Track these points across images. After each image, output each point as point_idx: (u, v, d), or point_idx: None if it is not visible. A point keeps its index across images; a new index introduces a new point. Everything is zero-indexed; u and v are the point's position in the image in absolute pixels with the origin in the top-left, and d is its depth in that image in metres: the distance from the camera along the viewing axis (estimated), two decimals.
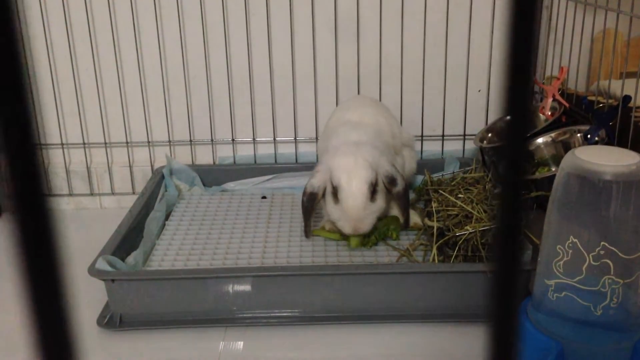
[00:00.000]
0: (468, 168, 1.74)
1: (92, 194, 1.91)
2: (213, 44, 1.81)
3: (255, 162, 1.91)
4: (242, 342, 1.24)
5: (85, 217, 1.85)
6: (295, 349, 1.23)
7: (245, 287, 1.27)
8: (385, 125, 1.57)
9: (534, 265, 1.09)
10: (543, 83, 1.77)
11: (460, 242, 1.33)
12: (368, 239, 1.44)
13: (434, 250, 1.37)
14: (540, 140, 1.57)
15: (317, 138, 1.87)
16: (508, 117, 0.29)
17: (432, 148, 1.93)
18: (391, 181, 1.41)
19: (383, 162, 1.42)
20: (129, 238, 1.45)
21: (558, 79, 1.66)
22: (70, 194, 1.90)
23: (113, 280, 1.25)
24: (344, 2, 1.78)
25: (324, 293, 1.28)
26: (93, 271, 1.25)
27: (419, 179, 1.76)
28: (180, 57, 1.81)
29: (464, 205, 1.43)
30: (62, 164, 1.88)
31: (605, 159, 0.97)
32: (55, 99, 1.83)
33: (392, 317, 1.29)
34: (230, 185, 1.85)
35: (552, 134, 1.56)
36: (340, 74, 1.85)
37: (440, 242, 1.38)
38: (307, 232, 1.48)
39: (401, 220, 1.49)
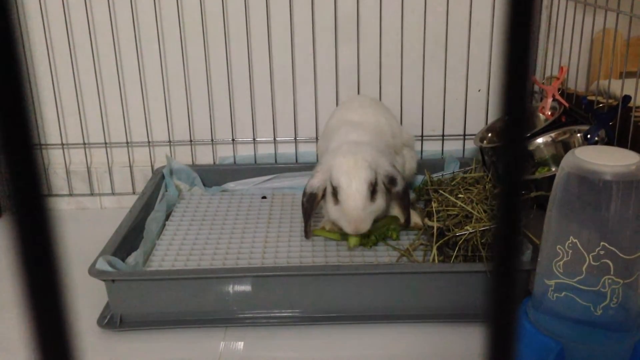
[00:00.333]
0: (468, 168, 1.74)
1: (92, 194, 1.91)
2: (213, 44, 1.81)
3: (255, 162, 1.91)
4: (242, 342, 1.24)
5: (86, 217, 1.85)
6: (296, 349, 1.23)
7: (246, 287, 1.27)
8: (386, 125, 1.57)
9: (534, 265, 1.09)
10: (543, 83, 1.77)
11: (460, 242, 1.33)
12: (368, 239, 1.44)
13: (434, 250, 1.37)
14: (540, 140, 1.57)
15: (317, 138, 1.87)
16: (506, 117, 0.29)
17: (432, 148, 1.93)
18: (391, 181, 1.41)
19: (383, 162, 1.42)
20: (129, 238, 1.45)
21: (558, 78, 1.66)
22: (71, 194, 1.90)
23: (113, 281, 1.25)
24: (344, 2, 1.78)
25: (324, 293, 1.28)
26: (93, 271, 1.25)
27: (419, 178, 1.76)
28: (180, 57, 1.81)
29: (464, 205, 1.43)
30: (62, 164, 1.88)
31: (605, 159, 0.97)
32: (56, 99, 1.83)
33: (392, 317, 1.29)
34: (230, 185, 1.85)
35: (552, 134, 1.56)
36: (340, 74, 1.85)
37: (440, 242, 1.38)
38: (307, 233, 1.48)
39: (402, 220, 1.49)
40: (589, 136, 1.44)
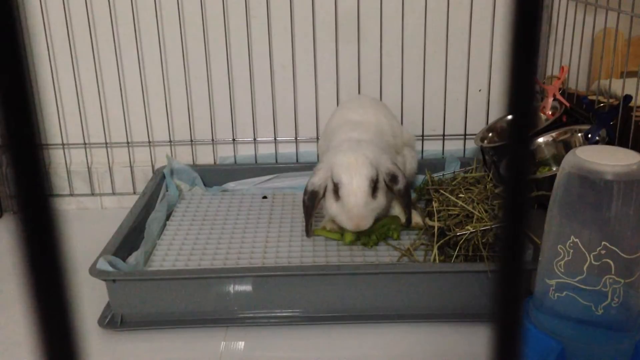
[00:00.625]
0: (469, 168, 1.74)
1: (93, 194, 1.91)
2: (214, 44, 1.81)
3: (256, 162, 1.91)
4: (243, 342, 1.24)
5: (86, 217, 1.85)
6: (297, 349, 1.23)
7: (246, 287, 1.27)
8: (387, 125, 1.57)
9: (535, 265, 1.09)
10: (544, 82, 1.77)
11: (461, 241, 1.33)
12: (369, 239, 1.44)
13: (435, 250, 1.37)
14: (541, 139, 1.57)
15: (317, 138, 1.87)
16: (510, 117, 0.29)
17: (432, 148, 1.93)
18: (392, 179, 1.41)
19: (384, 159, 1.42)
20: (130, 238, 1.45)
21: (559, 78, 1.66)
22: (71, 194, 1.90)
23: (114, 281, 1.25)
24: (344, 1, 1.78)
25: (325, 293, 1.28)
26: (94, 271, 1.25)
27: (420, 178, 1.76)
28: (181, 57, 1.81)
29: (464, 205, 1.43)
30: (63, 164, 1.89)
31: (606, 159, 0.97)
32: (56, 99, 1.83)
33: (393, 316, 1.29)
34: (231, 185, 1.85)
35: (553, 134, 1.56)
36: (341, 74, 1.85)
37: (441, 241, 1.37)
38: (308, 231, 1.48)
39: (402, 218, 1.49)
40: (589, 136, 1.44)
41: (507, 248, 0.30)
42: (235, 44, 1.81)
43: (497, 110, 1.87)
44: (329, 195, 1.41)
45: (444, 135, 1.91)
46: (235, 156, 1.92)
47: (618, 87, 1.53)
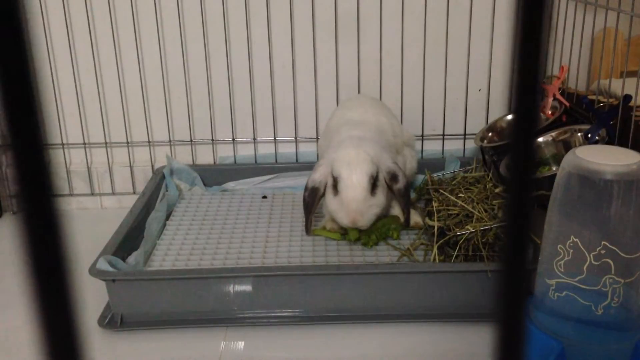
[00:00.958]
0: (469, 167, 1.74)
1: (92, 194, 1.91)
2: (213, 44, 1.81)
3: (255, 161, 1.91)
4: (243, 342, 1.24)
5: (86, 217, 1.85)
6: (296, 349, 1.23)
7: (246, 287, 1.27)
8: (387, 124, 1.57)
9: (535, 265, 1.09)
10: (544, 82, 1.77)
11: (461, 241, 1.33)
12: (369, 239, 1.44)
13: (435, 250, 1.37)
14: (540, 139, 1.57)
15: (317, 137, 1.87)
16: (509, 116, 0.29)
17: (432, 147, 1.93)
18: (393, 177, 1.41)
19: (385, 157, 1.42)
20: (130, 238, 1.45)
21: (558, 78, 1.66)
22: (71, 194, 1.90)
23: (114, 281, 1.25)
24: (344, 1, 1.78)
25: (324, 293, 1.28)
26: (94, 271, 1.25)
27: (420, 178, 1.76)
28: (180, 57, 1.81)
29: (464, 205, 1.43)
30: (62, 164, 1.88)
31: (605, 159, 0.97)
32: (56, 99, 1.83)
33: (393, 316, 1.29)
34: (230, 185, 1.85)
35: (553, 133, 1.56)
36: (341, 73, 1.85)
37: (440, 241, 1.37)
38: (308, 228, 1.48)
39: (402, 218, 1.49)
40: (589, 135, 1.44)
41: (510, 247, 0.30)
42: (235, 44, 1.81)
43: (497, 109, 1.87)
44: (329, 190, 1.41)
45: (443, 135, 1.91)
46: (235, 156, 1.92)
47: (618, 86, 1.53)
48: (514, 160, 0.28)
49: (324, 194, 1.43)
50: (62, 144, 1.87)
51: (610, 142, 1.41)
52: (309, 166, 1.74)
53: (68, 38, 1.77)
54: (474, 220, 1.37)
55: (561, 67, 1.69)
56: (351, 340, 1.25)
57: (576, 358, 1.02)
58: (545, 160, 1.57)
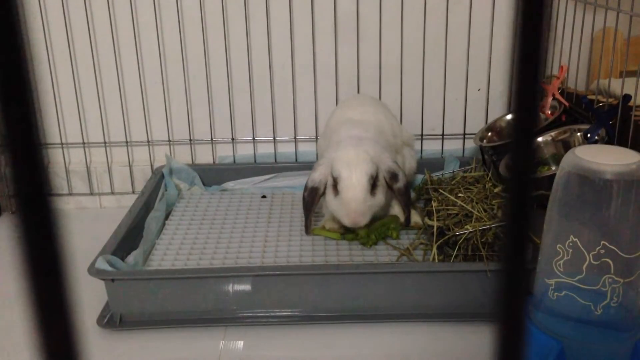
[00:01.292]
0: (468, 167, 1.74)
1: (91, 194, 1.91)
2: (213, 43, 1.81)
3: (255, 161, 1.91)
4: (242, 342, 1.24)
5: (85, 216, 1.85)
6: (296, 349, 1.23)
7: (245, 287, 1.27)
8: (386, 124, 1.57)
9: (534, 265, 1.09)
10: (543, 82, 1.77)
11: (460, 241, 1.33)
12: (368, 238, 1.44)
13: (434, 250, 1.37)
14: (540, 139, 1.57)
15: (317, 137, 1.87)
16: (509, 116, 0.29)
17: (432, 147, 1.93)
18: (392, 177, 1.41)
19: (385, 157, 1.42)
20: (129, 238, 1.45)
21: (558, 77, 1.66)
22: (70, 194, 1.90)
23: (113, 280, 1.25)
24: (344, 1, 1.78)
25: (324, 292, 1.27)
26: (93, 271, 1.25)
27: (419, 178, 1.76)
28: (180, 56, 1.81)
29: (464, 205, 1.43)
30: (61, 164, 1.88)
31: (605, 158, 0.97)
32: (55, 98, 1.82)
33: (392, 316, 1.29)
34: (230, 184, 1.85)
35: (552, 133, 1.56)
36: (340, 73, 1.85)
37: (440, 241, 1.37)
38: (307, 228, 1.48)
39: (402, 217, 1.49)
40: (589, 135, 1.44)
41: (510, 247, 0.30)
42: (234, 43, 1.81)
43: (497, 109, 1.87)
44: (329, 190, 1.41)
45: (443, 134, 1.91)
46: (234, 155, 1.91)
47: (617, 86, 1.53)
48: (514, 160, 0.28)
49: (324, 194, 1.43)
50: (62, 144, 1.87)
51: (609, 141, 1.41)
52: (309, 166, 1.74)
53: (67, 38, 1.77)
54: (473, 220, 1.37)
55: (561, 67, 1.69)
56: (350, 339, 1.25)
57: (575, 358, 1.02)
58: (544, 160, 1.57)
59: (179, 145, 1.91)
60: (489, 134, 1.74)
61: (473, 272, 1.26)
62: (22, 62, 0.23)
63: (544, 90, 1.69)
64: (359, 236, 1.44)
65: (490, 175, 1.55)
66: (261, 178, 1.85)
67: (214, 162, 1.92)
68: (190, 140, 1.90)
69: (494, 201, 1.44)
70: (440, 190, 1.52)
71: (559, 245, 1.00)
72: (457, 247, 1.33)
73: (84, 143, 1.87)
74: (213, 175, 1.86)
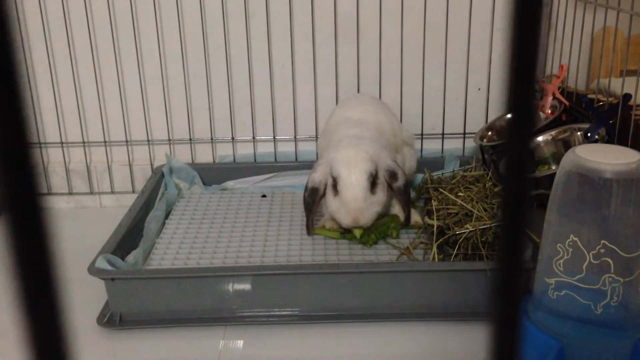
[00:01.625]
0: (468, 166, 1.74)
1: (91, 193, 1.91)
2: (213, 43, 1.81)
3: (255, 160, 1.91)
4: (242, 341, 1.24)
5: (85, 216, 1.85)
6: (295, 348, 1.23)
7: (245, 286, 1.27)
8: (386, 123, 1.57)
9: (534, 264, 1.08)
10: (543, 81, 1.77)
11: (461, 240, 1.33)
12: (368, 238, 1.44)
13: (434, 249, 1.36)
14: (540, 138, 1.57)
15: (317, 136, 1.87)
16: (509, 115, 0.29)
17: (432, 146, 1.93)
18: (392, 175, 1.41)
19: (384, 156, 1.41)
20: (129, 237, 1.45)
21: (558, 77, 1.66)
22: (70, 193, 1.90)
23: (113, 279, 1.25)
24: (344, 1, 1.78)
25: (324, 292, 1.27)
26: (93, 270, 1.25)
27: (419, 177, 1.76)
28: (180, 55, 1.81)
29: (464, 204, 1.42)
30: (61, 163, 1.88)
31: (605, 157, 0.97)
32: (55, 97, 1.82)
33: (392, 315, 1.29)
34: (230, 183, 1.85)
35: (552, 132, 1.56)
36: (340, 72, 1.85)
37: (440, 240, 1.37)
38: (309, 228, 1.48)
39: (402, 217, 1.49)
40: (589, 134, 1.44)
41: (506, 246, 0.30)
42: (234, 43, 1.81)
43: (497, 108, 1.87)
44: (329, 190, 1.41)
45: (443, 133, 1.91)
46: (234, 155, 1.91)
47: (617, 85, 1.53)
48: (510, 155, 0.28)
49: (324, 194, 1.43)
50: (62, 143, 1.87)
51: (609, 141, 1.41)
52: (309, 165, 1.74)
53: (67, 36, 1.77)
54: (473, 219, 1.37)
55: (561, 66, 1.69)
56: (350, 339, 1.25)
57: (575, 357, 1.02)
58: (544, 159, 1.56)
59: (179, 145, 1.91)
60: (489, 133, 1.74)
61: (473, 271, 1.26)
62: (11, 61, 0.23)
63: (544, 90, 1.69)
64: (358, 236, 1.44)
65: (490, 174, 1.55)
66: (261, 177, 1.85)
67: (214, 162, 1.92)
68: (190, 139, 1.90)
69: (494, 200, 1.43)
70: (441, 190, 1.52)
71: (559, 244, 1.00)
72: (457, 246, 1.33)
73: (84, 142, 1.87)
74: (213, 175, 1.86)
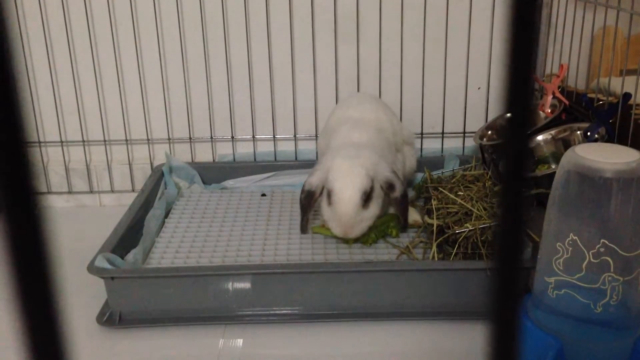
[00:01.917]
0: (468, 165, 1.74)
1: (91, 192, 1.91)
2: (213, 41, 1.81)
3: (254, 159, 1.91)
4: (241, 340, 1.24)
5: (85, 214, 1.85)
6: (295, 347, 1.23)
7: (245, 285, 1.27)
8: (386, 123, 1.57)
9: (534, 263, 1.09)
10: (543, 80, 1.77)
11: (460, 239, 1.33)
12: (368, 237, 1.44)
13: (434, 248, 1.36)
14: (540, 137, 1.57)
15: (316, 136, 1.87)
16: (508, 114, 0.29)
17: (432, 146, 1.93)
18: (389, 187, 1.41)
19: (382, 167, 1.41)
20: (129, 236, 1.45)
21: (558, 76, 1.66)
22: (70, 192, 1.90)
23: (112, 278, 1.25)
24: (344, 0, 1.78)
25: (323, 290, 1.27)
26: (92, 269, 1.24)
27: (419, 176, 1.76)
28: (179, 54, 1.81)
29: (463, 203, 1.42)
30: (61, 162, 1.88)
31: (605, 157, 0.97)
32: (55, 96, 1.82)
33: (392, 314, 1.29)
34: (229, 182, 1.85)
35: (552, 132, 1.56)
36: (340, 72, 1.85)
37: (440, 239, 1.37)
38: (303, 227, 1.49)
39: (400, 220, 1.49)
40: (589, 134, 1.44)
41: (504, 245, 0.30)
42: (234, 41, 1.81)
43: (497, 108, 1.87)
44: (324, 198, 1.41)
45: (443, 133, 1.91)
46: (234, 154, 1.91)
47: (617, 85, 1.53)
48: (508, 152, 0.28)
49: (321, 194, 1.43)
50: (61, 142, 1.87)
51: (609, 140, 1.41)
52: (308, 164, 1.74)
53: (67, 35, 1.77)
54: (473, 219, 1.37)
55: (561, 66, 1.68)
56: (350, 338, 1.25)
57: (575, 356, 1.02)
58: (544, 158, 1.56)
59: (179, 144, 1.91)
60: (489, 132, 1.74)
61: (473, 270, 1.26)
62: (6, 59, 0.23)
63: (544, 89, 1.69)
64: (350, 244, 1.45)
65: (490, 173, 1.55)
66: (261, 176, 1.85)
67: (213, 161, 1.92)
68: (190, 138, 1.90)
69: (493, 200, 1.43)
70: (440, 189, 1.52)
71: (558, 243, 1.00)
72: (456, 245, 1.33)
73: (83, 141, 1.87)
74: (213, 174, 1.86)
